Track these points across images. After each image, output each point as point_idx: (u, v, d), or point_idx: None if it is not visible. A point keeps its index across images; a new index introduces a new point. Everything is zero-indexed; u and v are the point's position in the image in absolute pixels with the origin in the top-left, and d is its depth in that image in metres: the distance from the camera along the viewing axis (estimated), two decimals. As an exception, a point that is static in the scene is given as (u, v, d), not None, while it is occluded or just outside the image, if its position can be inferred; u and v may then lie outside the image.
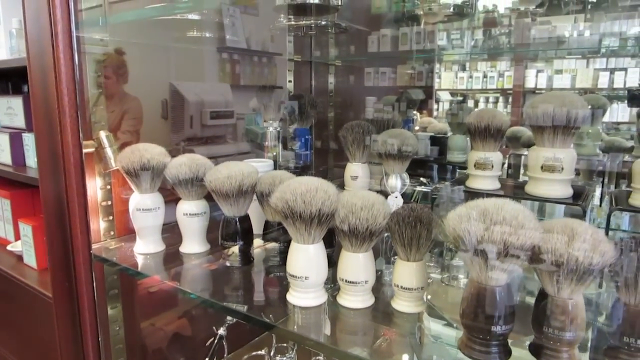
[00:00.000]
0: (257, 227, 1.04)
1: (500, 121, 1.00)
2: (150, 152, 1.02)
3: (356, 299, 0.79)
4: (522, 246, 0.59)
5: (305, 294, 0.80)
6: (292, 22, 1.23)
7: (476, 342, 0.65)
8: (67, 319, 1.15)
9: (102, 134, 1.07)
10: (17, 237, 1.60)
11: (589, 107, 1.24)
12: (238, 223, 0.95)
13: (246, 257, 0.98)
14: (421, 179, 1.43)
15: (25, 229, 1.49)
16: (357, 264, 0.78)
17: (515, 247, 0.59)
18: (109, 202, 1.14)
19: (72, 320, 1.15)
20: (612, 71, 1.98)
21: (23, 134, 1.65)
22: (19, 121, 1.69)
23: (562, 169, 0.93)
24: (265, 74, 1.98)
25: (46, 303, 1.19)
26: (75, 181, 1.06)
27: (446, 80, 2.47)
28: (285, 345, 1.46)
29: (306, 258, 0.78)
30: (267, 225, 0.97)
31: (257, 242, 1.07)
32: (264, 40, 2.06)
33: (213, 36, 1.90)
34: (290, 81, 1.58)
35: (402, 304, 0.78)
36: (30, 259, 1.49)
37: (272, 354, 1.37)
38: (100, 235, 1.13)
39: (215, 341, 1.31)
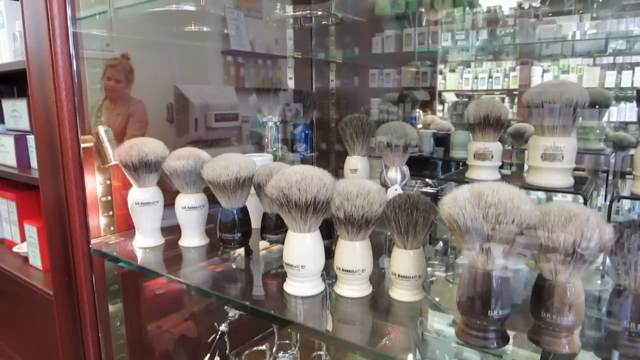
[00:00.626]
0: (255, 222, 1.04)
1: (499, 111, 1.00)
2: (149, 146, 1.02)
3: (353, 288, 0.79)
4: (519, 226, 0.58)
5: (302, 283, 0.79)
6: (289, 13, 1.23)
7: (473, 327, 0.64)
8: (67, 314, 1.15)
9: (101, 129, 1.07)
10: (23, 238, 1.60)
11: (595, 103, 1.23)
12: (236, 215, 0.95)
13: (245, 249, 0.98)
14: (427, 180, 1.41)
15: (31, 230, 1.50)
16: (353, 253, 0.77)
17: (511, 229, 0.58)
18: (109, 198, 1.14)
19: (72, 315, 1.15)
20: (619, 70, 1.97)
21: (27, 136, 1.66)
22: (24, 124, 1.71)
23: (563, 157, 0.92)
24: (269, 77, 1.99)
25: (50, 302, 1.20)
26: (73, 176, 1.06)
27: (451, 81, 2.46)
28: (287, 342, 1.45)
29: (302, 247, 0.77)
30: (265, 217, 0.97)
31: (263, 244, 1.06)
32: (268, 43, 2.07)
33: (217, 39, 1.91)
34: (290, 78, 1.58)
35: (400, 293, 0.77)
36: (36, 260, 1.50)
37: (274, 350, 1.37)
38: (100, 230, 1.13)
39: (217, 337, 1.30)
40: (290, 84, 1.59)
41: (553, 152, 0.92)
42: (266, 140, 1.30)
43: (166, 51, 1.64)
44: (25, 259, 1.54)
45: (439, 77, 2.28)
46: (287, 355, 1.40)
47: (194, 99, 1.73)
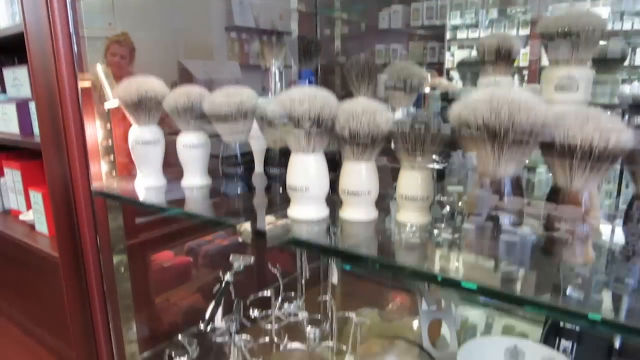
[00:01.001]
0: (259, 167, 1.02)
1: (511, 43, 0.96)
2: (148, 83, 1.00)
3: (359, 210, 0.76)
4: (533, 126, 0.55)
5: (306, 206, 0.77)
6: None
7: (484, 237, 0.61)
8: (71, 262, 1.15)
9: (99, 68, 1.05)
10: (29, 207, 1.60)
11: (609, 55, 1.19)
12: (238, 149, 0.92)
13: (247, 185, 0.96)
14: (433, 156, 1.38)
15: (36, 196, 1.49)
16: (359, 174, 0.74)
17: (524, 128, 0.55)
18: (109, 142, 1.12)
19: (77, 267, 1.15)
20: (633, 49, 1.92)
21: (30, 103, 1.64)
22: (25, 91, 1.68)
23: (578, 88, 0.88)
24: (274, 53, 1.96)
25: (57, 265, 1.18)
26: (72, 117, 1.04)
27: (460, 58, 2.41)
28: (292, 293, 1.44)
29: (306, 168, 0.75)
30: (268, 152, 0.95)
31: (269, 218, 1.04)
32: (272, 19, 2.04)
33: (221, 15, 1.89)
34: (294, 29, 1.55)
35: (408, 215, 0.75)
36: (42, 227, 1.49)
37: (279, 299, 1.36)
38: (102, 175, 1.12)
39: (222, 286, 1.29)
40: (294, 35, 1.56)
41: (567, 82, 0.89)
42: (271, 86, 1.27)
43: (170, 29, 1.62)
44: (31, 226, 1.53)
45: (447, 53, 2.24)
46: (292, 305, 1.39)
47: (197, 74, 1.71)
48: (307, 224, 0.76)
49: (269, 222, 1.01)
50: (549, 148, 0.58)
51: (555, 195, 0.60)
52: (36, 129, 1.60)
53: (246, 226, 0.95)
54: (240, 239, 1.02)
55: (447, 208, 1.09)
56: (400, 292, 1.69)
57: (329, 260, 1.45)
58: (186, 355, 1.18)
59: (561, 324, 1.12)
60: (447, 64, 2.21)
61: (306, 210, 0.77)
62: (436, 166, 1.34)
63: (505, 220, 0.60)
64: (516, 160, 0.58)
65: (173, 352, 1.19)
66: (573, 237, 0.57)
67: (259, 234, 0.76)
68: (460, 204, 1.04)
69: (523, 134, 0.56)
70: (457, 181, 1.04)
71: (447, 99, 1.52)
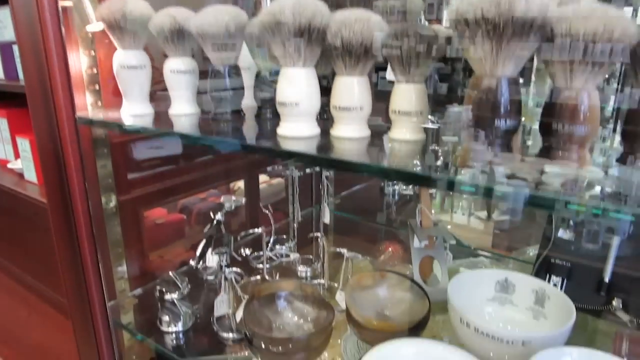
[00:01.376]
0: (248, 96, 0.99)
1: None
2: (133, 2, 0.95)
3: (352, 127, 0.74)
4: (533, 20, 0.52)
5: (296, 124, 0.74)
6: None
7: (479, 143, 0.59)
8: (59, 203, 1.13)
9: (81, -13, 0.99)
10: (17, 156, 1.56)
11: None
12: (227, 72, 0.89)
13: (237, 111, 0.93)
14: (429, 117, 1.35)
15: (23, 143, 1.45)
16: (351, 88, 0.72)
17: (525, 19, 0.52)
18: (95, 70, 1.08)
19: (64, 208, 1.12)
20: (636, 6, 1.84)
21: (13, 46, 1.57)
22: (9, 34, 1.61)
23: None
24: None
25: (46, 211, 1.16)
26: (54, 40, 0.99)
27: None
28: (284, 236, 1.44)
29: (296, 82, 0.72)
30: (258, 75, 0.91)
31: (263, 177, 1.01)
32: None
33: None
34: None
35: (401, 131, 0.72)
36: (31, 174, 1.45)
37: (271, 239, 1.36)
38: (87, 105, 1.08)
39: (213, 225, 1.28)
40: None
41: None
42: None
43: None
44: (20, 175, 1.50)
45: (446, 13, 2.16)
46: (284, 247, 1.39)
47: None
48: (297, 140, 0.74)
49: (263, 181, 0.99)
50: (549, 45, 0.55)
51: (554, 97, 0.58)
52: (21, 73, 1.55)
53: (239, 185, 0.93)
54: (233, 198, 1.01)
55: (441, 159, 1.07)
56: (393, 243, 1.70)
57: (322, 202, 1.44)
58: (177, 292, 1.18)
59: (552, 260, 1.13)
60: (446, 23, 2.14)
61: (296, 128, 0.74)
62: (431, 125, 1.31)
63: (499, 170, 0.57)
64: (515, 58, 0.55)
65: (164, 288, 1.19)
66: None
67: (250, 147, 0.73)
68: (455, 154, 1.03)
69: (524, 26, 0.53)
70: (452, 134, 1.02)
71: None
